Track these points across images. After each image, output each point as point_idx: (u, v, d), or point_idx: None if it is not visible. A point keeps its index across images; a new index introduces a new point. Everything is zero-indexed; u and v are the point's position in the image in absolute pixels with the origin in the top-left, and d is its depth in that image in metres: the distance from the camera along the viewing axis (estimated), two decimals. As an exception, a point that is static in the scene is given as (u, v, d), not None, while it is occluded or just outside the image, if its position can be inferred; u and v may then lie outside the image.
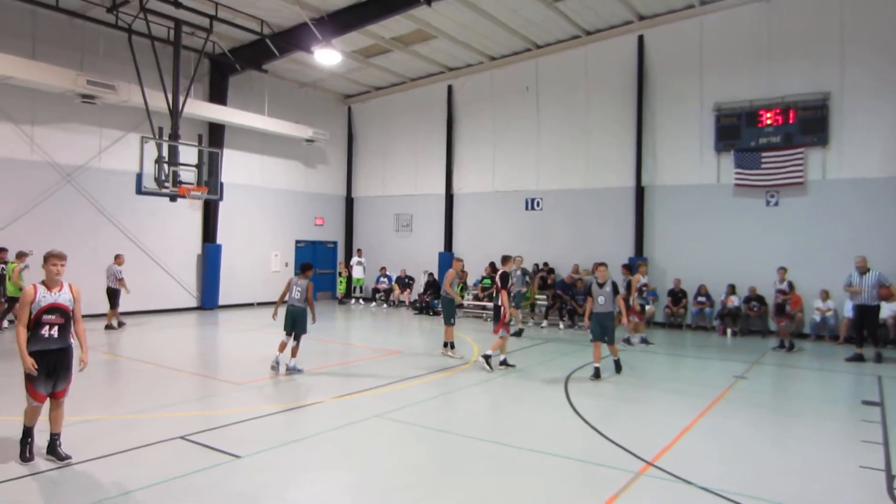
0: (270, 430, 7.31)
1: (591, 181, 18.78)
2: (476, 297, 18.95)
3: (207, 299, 19.36)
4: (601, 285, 10.41)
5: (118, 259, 15.23)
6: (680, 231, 17.26)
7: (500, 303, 10.96)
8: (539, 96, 19.83)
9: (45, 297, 5.91)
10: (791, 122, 15.61)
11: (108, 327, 14.85)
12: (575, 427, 7.54)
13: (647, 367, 11.80)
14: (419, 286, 21.19)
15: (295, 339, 10.28)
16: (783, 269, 13.86)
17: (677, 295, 16.87)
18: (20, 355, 5.80)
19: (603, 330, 10.41)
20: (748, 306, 15.79)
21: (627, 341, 13.88)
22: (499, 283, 11.04)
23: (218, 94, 19.14)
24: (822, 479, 6.01)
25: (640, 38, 17.78)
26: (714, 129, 16.70)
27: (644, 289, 14.37)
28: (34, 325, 5.85)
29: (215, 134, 19.04)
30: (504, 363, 10.99)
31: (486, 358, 10.83)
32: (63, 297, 6.02)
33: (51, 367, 5.92)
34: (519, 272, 14.79)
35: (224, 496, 5.31)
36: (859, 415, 8.25)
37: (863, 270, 12.45)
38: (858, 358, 12.34)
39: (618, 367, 10.68)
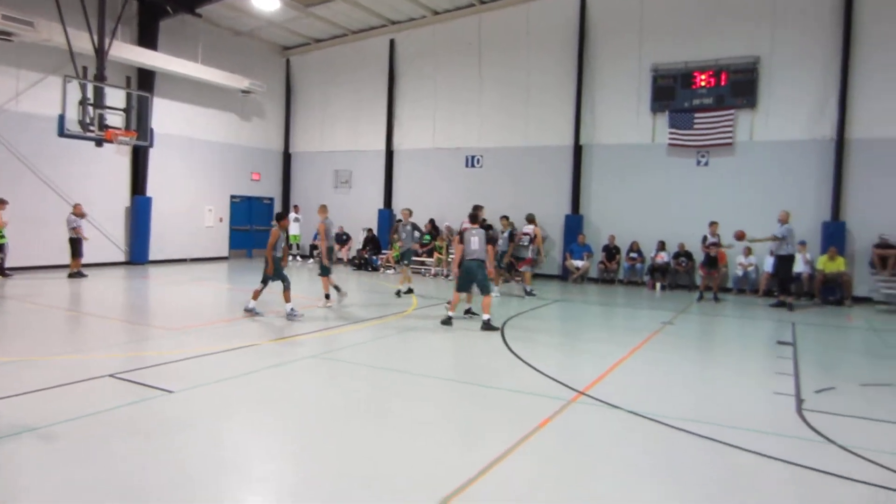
0: (205, 368, 7.20)
1: (531, 139, 18.96)
2: (416, 253, 18.94)
3: (137, 254, 18.68)
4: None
5: (76, 208, 15.31)
6: (615, 189, 17.71)
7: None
8: (481, 54, 19.74)
9: None
10: (723, 84, 16.13)
11: (73, 276, 14.88)
12: (512, 365, 7.74)
13: (582, 317, 12.20)
14: (358, 243, 21.06)
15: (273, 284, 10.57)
16: (714, 224, 14.44)
17: (611, 251, 17.37)
18: None
19: (472, 280, 10.20)
20: (677, 262, 16.44)
21: (530, 293, 14.41)
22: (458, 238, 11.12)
23: (148, 38, 18.15)
24: (740, 403, 6.41)
25: (582, -3, 17.92)
26: (651, 89, 17.08)
27: (525, 236, 14.86)
28: None
29: (145, 80, 18.09)
30: (468, 311, 11.12)
31: (479, 317, 10.60)
32: None
33: None
34: (409, 227, 14.10)
35: (156, 425, 5.22)
36: (775, 353, 8.79)
37: (784, 223, 13.13)
38: (784, 305, 13.15)
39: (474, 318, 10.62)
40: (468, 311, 11.12)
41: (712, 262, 14.30)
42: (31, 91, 16.15)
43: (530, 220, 15.19)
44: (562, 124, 18.36)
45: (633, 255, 17.07)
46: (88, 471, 4.25)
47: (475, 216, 10.65)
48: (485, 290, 10.12)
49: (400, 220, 14.64)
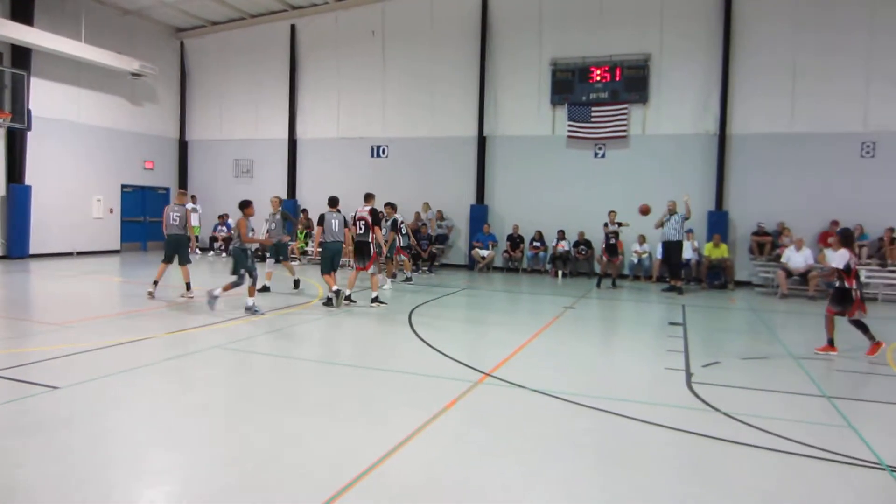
0: (94, 364, 6.76)
1: (436, 130, 19.06)
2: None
3: (15, 247, 17.24)
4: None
5: None
6: (518, 179, 18.15)
7: (370, 240, 11.06)
8: (385, 43, 19.61)
9: None
10: (618, 79, 16.86)
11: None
12: (419, 350, 7.77)
13: (488, 304, 12.43)
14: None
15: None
16: (613, 212, 15.06)
17: (515, 240, 17.79)
18: None
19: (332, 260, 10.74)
20: (577, 250, 17.07)
21: (408, 279, 14.78)
22: (370, 221, 11.05)
23: (21, 12, 16.65)
24: (635, 379, 6.77)
25: (485, -10, 18.17)
26: (550, 83, 17.60)
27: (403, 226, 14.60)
28: None
29: (20, 58, 16.65)
30: (375, 300, 10.97)
31: (376, 300, 10.88)
32: None
33: None
34: (279, 217, 12.88)
35: (37, 422, 4.85)
36: (666, 332, 9.33)
37: (672, 212, 13.91)
38: (675, 289, 13.96)
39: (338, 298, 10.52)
40: (348, 298, 10.96)
41: (612, 250, 14.92)
42: None
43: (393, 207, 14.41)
44: (466, 115, 18.58)
45: (535, 244, 17.56)
46: (-40, 474, 3.89)
47: (334, 201, 11.17)
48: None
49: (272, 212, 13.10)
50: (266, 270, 12.42)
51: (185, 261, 11.14)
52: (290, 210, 20.52)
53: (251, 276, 9.85)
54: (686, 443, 4.81)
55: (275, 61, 21.11)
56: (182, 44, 22.64)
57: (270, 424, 4.97)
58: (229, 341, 7.83)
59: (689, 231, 15.43)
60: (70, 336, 7.95)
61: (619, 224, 14.75)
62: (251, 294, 9.87)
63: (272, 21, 20.94)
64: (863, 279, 12.19)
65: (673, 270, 14.36)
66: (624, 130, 16.84)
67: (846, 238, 7.97)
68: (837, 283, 7.97)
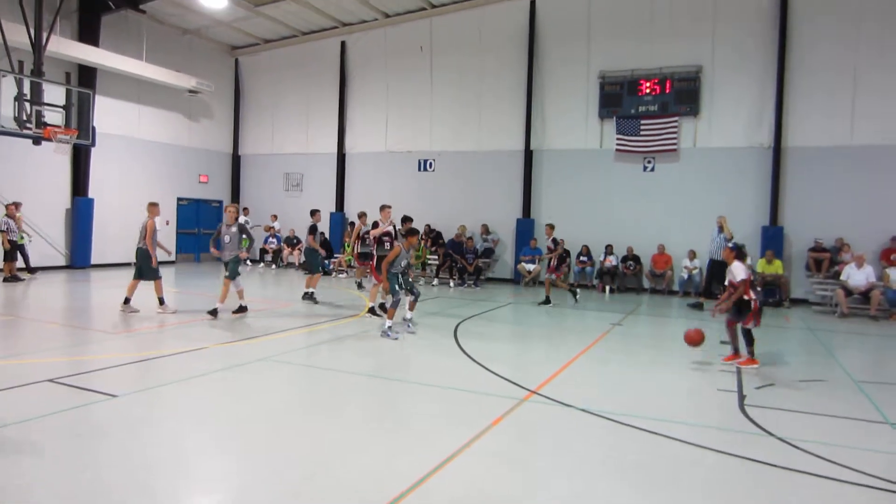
0: (150, 372, 7.01)
1: (483, 143, 19.11)
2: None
3: (78, 258, 18.02)
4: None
5: (9, 209, 14.82)
6: (565, 193, 18.02)
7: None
8: (433, 57, 19.81)
9: None
10: (667, 91, 16.62)
11: (7, 280, 14.43)
12: (464, 366, 7.77)
13: (532, 319, 12.33)
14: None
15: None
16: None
17: (562, 255, 17.59)
18: None
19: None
20: (625, 265, 16.81)
21: (359, 285, 15.10)
22: (393, 235, 11.40)
23: (88, 34, 17.54)
24: (685, 400, 6.61)
25: (533, 4, 18.17)
26: (598, 96, 17.46)
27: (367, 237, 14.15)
28: None
29: (86, 77, 17.48)
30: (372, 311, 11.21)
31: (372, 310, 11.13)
32: None
33: None
34: (235, 229, 11.01)
35: (97, 429, 5.05)
36: (717, 352, 9.06)
37: (721, 228, 13.56)
38: (697, 306, 13.61)
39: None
40: (371, 311, 11.24)
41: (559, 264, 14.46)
42: (-37, 86, 15.39)
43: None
44: (513, 129, 18.58)
45: (582, 258, 17.37)
46: (26, 475, 4.07)
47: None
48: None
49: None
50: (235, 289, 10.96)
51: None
52: (338, 223, 20.91)
53: (412, 291, 9.93)
54: (738, 468, 4.67)
55: (325, 77, 21.56)
56: (237, 61, 23.36)
57: (316, 437, 5.05)
58: (276, 353, 7.97)
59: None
60: (128, 345, 8.24)
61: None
62: (411, 308, 10.00)
63: (323, 38, 21.42)
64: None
65: (708, 287, 13.97)
66: (674, 144, 16.56)
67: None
68: None
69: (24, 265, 15.43)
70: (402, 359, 8.41)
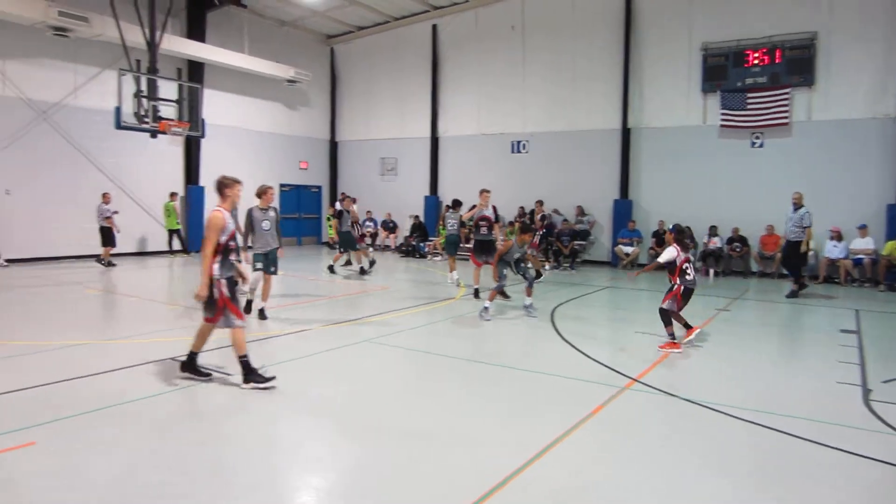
0: (261, 352, 7.36)
1: (578, 123, 18.66)
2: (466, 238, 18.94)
3: (192, 241, 19.20)
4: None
5: (105, 197, 15.32)
6: (665, 172, 17.32)
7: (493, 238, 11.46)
8: (525, 37, 19.47)
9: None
10: (777, 62, 15.54)
11: (101, 262, 15.13)
12: (562, 351, 7.67)
13: (631, 304, 11.99)
14: (405, 230, 21.18)
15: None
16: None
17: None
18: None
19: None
20: (731, 247, 16.00)
21: (331, 269, 14.77)
22: (493, 220, 11.56)
23: (196, 31, 18.55)
24: (800, 392, 6.21)
25: (630, -24, 17.47)
26: (701, 69, 16.59)
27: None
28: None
29: (194, 72, 18.54)
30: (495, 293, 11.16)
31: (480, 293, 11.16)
32: None
33: None
34: (271, 213, 9.63)
35: (216, 407, 5.38)
36: (837, 341, 8.47)
37: (797, 206, 12.50)
38: (794, 294, 12.55)
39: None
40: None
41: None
42: (89, 85, 16.69)
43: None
44: (609, 107, 18.01)
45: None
46: (144, 449, 4.39)
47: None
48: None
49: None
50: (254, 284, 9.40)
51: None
52: (432, 206, 21.11)
53: (525, 277, 10.04)
54: (860, 468, 4.35)
55: (417, 61, 21.71)
56: (332, 49, 23.94)
57: (416, 422, 5.13)
58: (376, 336, 8.17)
59: (862, 227, 13.96)
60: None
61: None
62: (528, 294, 10.02)
63: (414, 23, 21.54)
64: None
65: (792, 272, 12.97)
66: (785, 117, 15.49)
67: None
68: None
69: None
70: (500, 343, 8.41)
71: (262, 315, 9.19)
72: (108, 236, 15.29)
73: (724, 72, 16.22)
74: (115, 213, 15.42)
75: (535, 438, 4.68)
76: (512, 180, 19.71)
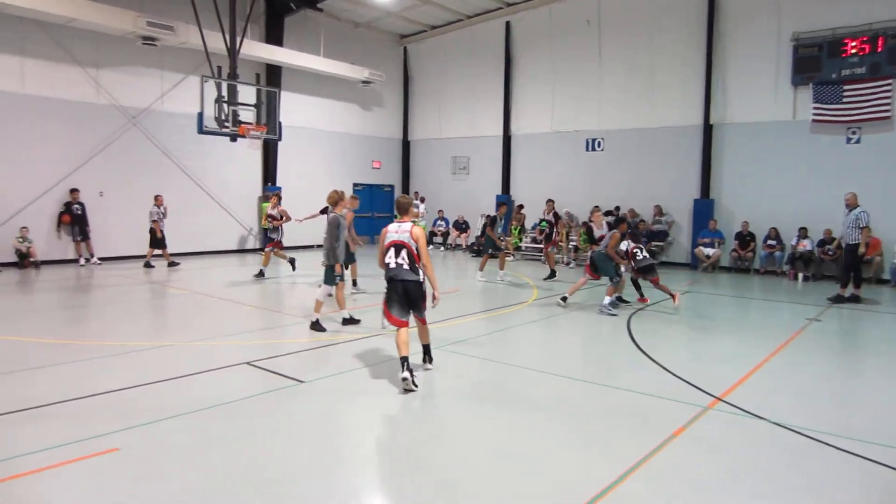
0: (333, 358, 7.42)
1: (656, 120, 17.98)
2: (534, 240, 18.68)
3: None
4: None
5: (157, 200, 15.83)
6: (749, 171, 16.43)
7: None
8: (601, 32, 18.92)
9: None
10: (879, 51, 14.43)
11: (147, 265, 15.42)
12: (639, 363, 7.35)
13: (713, 310, 11.43)
14: (476, 229, 21.06)
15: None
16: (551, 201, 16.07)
17: (745, 238, 16.18)
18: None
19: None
20: (822, 250, 15.02)
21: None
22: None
23: (274, 35, 19.05)
24: (906, 418, 5.69)
25: (713, -35, 16.65)
26: (791, 60, 15.62)
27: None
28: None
29: (272, 75, 19.04)
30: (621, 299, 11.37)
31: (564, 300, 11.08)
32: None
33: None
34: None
35: (287, 416, 5.41)
36: (946, 358, 7.77)
37: (851, 207, 11.73)
38: (838, 299, 11.88)
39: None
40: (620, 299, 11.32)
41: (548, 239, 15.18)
42: (174, 91, 17.41)
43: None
44: (690, 103, 17.26)
45: (770, 242, 15.78)
46: (216, 455, 4.44)
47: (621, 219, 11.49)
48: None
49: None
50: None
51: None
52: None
53: (616, 278, 10.50)
54: None
55: (489, 59, 21.51)
56: (405, 49, 24.06)
57: (482, 439, 4.98)
58: (450, 342, 8.06)
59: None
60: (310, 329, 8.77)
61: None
62: (609, 294, 10.41)
63: (487, 20, 21.34)
64: None
65: (845, 276, 12.05)
66: (887, 110, 14.37)
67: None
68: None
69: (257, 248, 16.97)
70: (574, 354, 8.16)
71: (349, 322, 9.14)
72: (156, 238, 15.66)
73: (817, 63, 15.21)
74: (160, 218, 15.69)
75: (612, 462, 4.46)
76: (586, 179, 19.25)
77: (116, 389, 5.90)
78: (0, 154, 14.57)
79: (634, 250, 10.77)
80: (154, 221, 15.59)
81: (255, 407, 5.59)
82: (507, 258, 15.96)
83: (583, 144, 19.53)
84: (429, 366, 6.90)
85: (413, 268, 6.39)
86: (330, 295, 9.01)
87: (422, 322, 6.72)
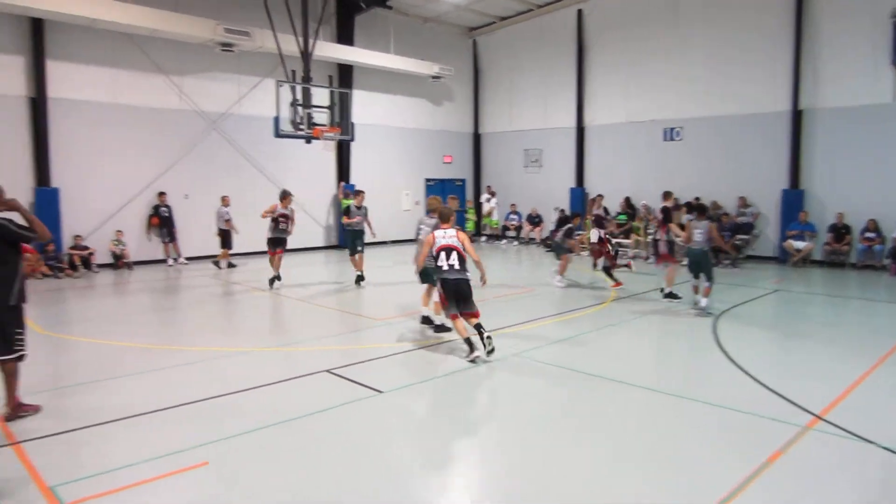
0: (410, 366, 7.43)
1: (739, 107, 17.07)
2: (612, 234, 18.15)
3: (343, 238, 20.09)
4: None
5: (224, 200, 16.19)
6: (844, 159, 15.39)
7: (658, 237, 11.36)
8: (679, 16, 18.12)
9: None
10: None
11: (217, 265, 15.76)
12: (728, 373, 6.98)
13: (807, 311, 10.79)
14: (549, 223, 20.71)
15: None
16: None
17: (840, 231, 15.19)
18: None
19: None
20: (928, 242, 13.93)
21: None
22: (660, 218, 11.27)
23: (345, 35, 19.26)
24: None
25: (803, -61, 15.60)
26: (891, 39, 14.46)
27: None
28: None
29: (344, 75, 19.29)
30: (670, 295, 10.98)
31: (670, 295, 10.90)
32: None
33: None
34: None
35: (367, 429, 5.42)
36: None
37: None
38: None
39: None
40: (670, 295, 10.95)
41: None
42: (251, 94, 17.92)
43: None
44: (776, 89, 16.30)
45: (869, 234, 14.75)
46: (306, 474, 4.48)
47: (703, 208, 10.75)
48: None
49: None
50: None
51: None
52: (578, 198, 20.45)
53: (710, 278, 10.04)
54: None
55: (561, 49, 21.03)
56: (474, 42, 23.85)
57: (565, 455, 4.83)
58: (522, 350, 7.87)
59: None
60: (392, 333, 8.82)
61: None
62: (706, 294, 10.00)
63: (558, 9, 20.87)
64: None
65: None
66: None
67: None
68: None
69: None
70: (659, 363, 7.85)
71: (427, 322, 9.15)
72: (226, 239, 15.87)
73: (920, 40, 14.04)
74: (229, 217, 15.97)
75: (700, 491, 4.22)
76: (663, 170, 18.55)
77: (203, 399, 6.07)
78: (96, 162, 15.39)
79: (608, 237, 12.19)
80: (227, 221, 15.94)
81: (337, 419, 5.63)
82: (581, 254, 15.55)
83: (659, 134, 18.82)
84: (488, 348, 7.31)
85: (462, 267, 7.46)
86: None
87: (473, 315, 7.44)
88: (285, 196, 12.76)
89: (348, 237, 13.13)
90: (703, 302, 9.95)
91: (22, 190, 14.20)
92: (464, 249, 7.47)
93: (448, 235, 7.53)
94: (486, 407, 6.00)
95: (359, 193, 13.29)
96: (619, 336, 8.90)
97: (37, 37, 14.28)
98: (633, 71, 19.35)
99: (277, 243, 12.63)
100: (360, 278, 12.85)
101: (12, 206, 5.58)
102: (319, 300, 11.67)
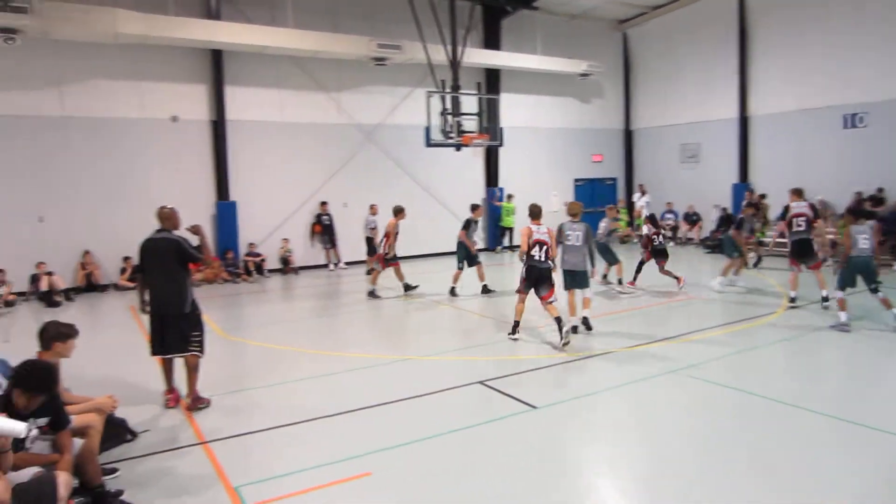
0: (563, 379, 7.32)
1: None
2: (781, 235, 16.68)
3: (491, 241, 20.36)
4: None
5: (373, 209, 16.70)
6: None
7: (811, 236, 10.44)
8: (860, -14, 16.23)
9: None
10: None
11: (370, 272, 16.05)
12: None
13: None
14: (709, 222, 19.47)
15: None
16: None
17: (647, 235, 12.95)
18: None
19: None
20: None
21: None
22: (811, 216, 10.41)
23: (492, 40, 19.40)
24: None
25: None
26: None
27: None
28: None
29: (491, 80, 19.44)
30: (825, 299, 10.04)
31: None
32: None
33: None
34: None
35: (523, 447, 5.38)
36: None
37: None
38: None
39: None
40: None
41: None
42: (402, 105, 18.61)
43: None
44: None
45: None
46: (467, 491, 4.50)
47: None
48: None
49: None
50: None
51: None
52: (740, 197, 19.03)
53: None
54: None
55: (720, 36, 19.68)
56: (624, 35, 23.00)
57: (711, 487, 4.46)
58: (681, 366, 7.41)
59: None
60: (537, 344, 8.72)
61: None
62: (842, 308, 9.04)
63: (717, -7, 19.55)
64: None
65: None
66: None
67: None
68: None
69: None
70: (838, 383, 7.06)
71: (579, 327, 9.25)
72: (373, 247, 16.10)
73: None
74: (376, 226, 16.20)
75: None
76: (844, 160, 16.73)
77: (364, 407, 6.37)
78: (266, 176, 16.81)
79: (654, 236, 12.63)
80: (372, 229, 16.44)
81: (492, 434, 5.66)
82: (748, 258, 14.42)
83: (839, 121, 16.97)
84: (567, 336, 8.24)
85: (546, 259, 8.55)
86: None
87: (545, 299, 8.51)
88: (400, 211, 12.87)
89: (462, 251, 13.01)
90: (843, 316, 8.82)
91: (206, 205, 15.87)
92: (550, 243, 8.57)
93: (540, 231, 8.56)
94: (638, 430, 5.72)
95: (476, 208, 13.26)
96: (794, 354, 8.14)
97: (216, 66, 15.87)
98: (804, 52, 17.62)
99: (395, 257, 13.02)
100: (486, 288, 12.93)
101: (197, 231, 6.46)
102: (467, 306, 11.83)
